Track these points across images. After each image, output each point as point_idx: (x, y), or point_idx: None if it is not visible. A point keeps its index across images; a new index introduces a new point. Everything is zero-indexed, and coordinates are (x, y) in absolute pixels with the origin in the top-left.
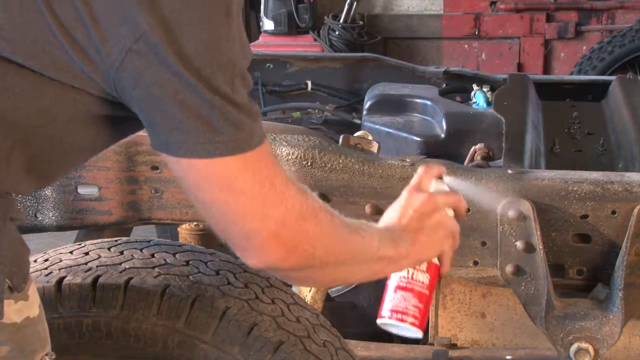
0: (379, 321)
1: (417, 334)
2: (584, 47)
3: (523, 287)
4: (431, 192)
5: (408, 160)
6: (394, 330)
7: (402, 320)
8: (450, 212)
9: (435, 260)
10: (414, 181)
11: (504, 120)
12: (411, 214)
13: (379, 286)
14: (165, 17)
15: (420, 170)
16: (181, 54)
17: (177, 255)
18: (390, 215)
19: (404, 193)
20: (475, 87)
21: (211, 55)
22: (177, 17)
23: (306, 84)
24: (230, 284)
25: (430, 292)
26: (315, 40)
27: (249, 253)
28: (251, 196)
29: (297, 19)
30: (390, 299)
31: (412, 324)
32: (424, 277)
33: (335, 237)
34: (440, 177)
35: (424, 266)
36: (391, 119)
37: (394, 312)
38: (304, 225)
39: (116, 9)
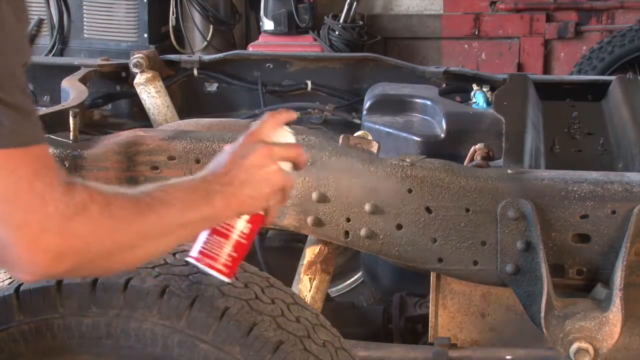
0: (188, 259)
1: (224, 279)
2: (584, 47)
3: (523, 287)
4: (268, 143)
5: (408, 160)
6: (201, 269)
7: (210, 266)
8: (287, 166)
9: (262, 211)
10: (255, 127)
11: (504, 120)
12: (241, 164)
13: (379, 286)
14: None
15: (265, 115)
16: None
17: (177, 255)
18: (219, 162)
19: (241, 138)
20: (475, 87)
21: None
22: None
23: (306, 84)
24: (230, 284)
25: (249, 241)
26: (315, 40)
27: (11, 266)
28: (4, 199)
29: (297, 19)
30: (204, 240)
31: (220, 271)
32: (244, 227)
33: (115, 225)
34: (288, 125)
35: (247, 215)
36: (391, 119)
37: (204, 256)
38: (69, 226)
39: None
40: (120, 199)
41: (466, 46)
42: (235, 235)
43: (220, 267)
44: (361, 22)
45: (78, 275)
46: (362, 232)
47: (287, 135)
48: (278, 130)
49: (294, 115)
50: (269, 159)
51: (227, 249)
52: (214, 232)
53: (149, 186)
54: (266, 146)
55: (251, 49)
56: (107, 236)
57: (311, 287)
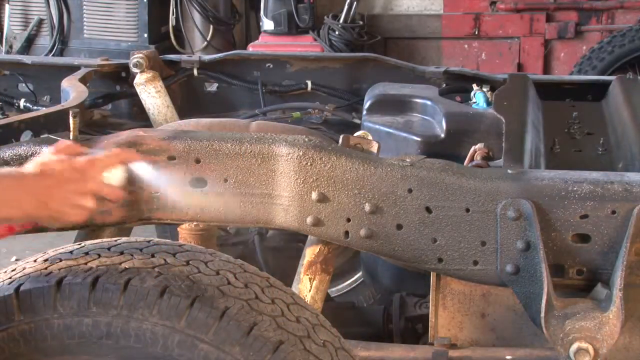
0: None
1: None
2: (584, 47)
3: (523, 287)
4: (92, 173)
5: (408, 160)
6: None
7: None
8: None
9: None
10: (98, 154)
11: (504, 120)
12: (54, 174)
13: (379, 286)
14: None
15: (114, 150)
16: None
17: (177, 255)
18: (41, 163)
19: (62, 160)
20: (475, 87)
21: None
22: None
23: (306, 84)
24: (230, 284)
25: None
26: (315, 40)
27: None
28: None
29: (297, 19)
30: None
31: None
32: None
33: None
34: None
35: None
36: (391, 119)
37: None
38: None
39: None
40: None
41: (466, 46)
42: None
43: None
44: (361, 22)
45: None
46: (362, 232)
47: (116, 177)
48: (116, 166)
49: (137, 157)
50: (82, 181)
51: None
52: None
53: None
54: (83, 175)
55: (251, 49)
56: None
57: (311, 287)
